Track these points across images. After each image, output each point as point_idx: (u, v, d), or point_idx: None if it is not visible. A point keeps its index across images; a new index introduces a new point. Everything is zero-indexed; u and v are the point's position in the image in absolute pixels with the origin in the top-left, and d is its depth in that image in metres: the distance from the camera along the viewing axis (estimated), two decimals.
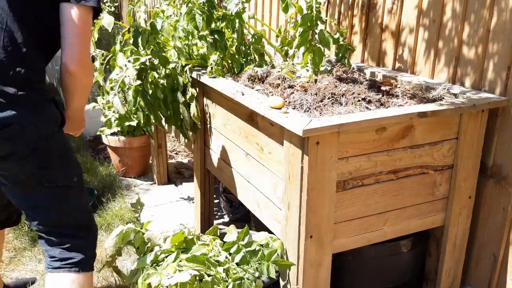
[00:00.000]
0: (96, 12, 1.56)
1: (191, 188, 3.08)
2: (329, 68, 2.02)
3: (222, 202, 2.93)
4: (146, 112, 2.30)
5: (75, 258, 1.64)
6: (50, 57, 1.63)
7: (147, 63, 2.23)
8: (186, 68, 2.15)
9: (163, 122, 2.37)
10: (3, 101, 1.45)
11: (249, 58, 2.21)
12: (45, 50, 1.57)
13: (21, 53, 1.47)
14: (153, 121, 2.30)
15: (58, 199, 1.63)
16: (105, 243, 1.63)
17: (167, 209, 3.06)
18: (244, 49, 2.19)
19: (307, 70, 1.97)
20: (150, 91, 2.23)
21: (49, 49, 1.60)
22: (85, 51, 1.54)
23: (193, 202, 3.03)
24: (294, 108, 1.63)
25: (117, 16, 7.29)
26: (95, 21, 2.45)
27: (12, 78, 1.46)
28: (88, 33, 1.55)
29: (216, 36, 2.03)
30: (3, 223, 1.93)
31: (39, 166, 1.56)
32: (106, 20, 2.33)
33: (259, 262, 1.58)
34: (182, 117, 2.17)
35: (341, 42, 2.12)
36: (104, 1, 7.02)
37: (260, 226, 2.14)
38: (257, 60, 2.22)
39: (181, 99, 2.10)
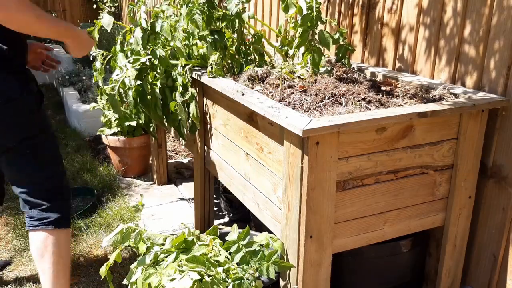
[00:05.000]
0: None
1: (191, 188, 3.08)
2: (329, 68, 2.02)
3: (222, 202, 2.93)
4: (146, 112, 2.30)
5: (51, 217, 1.88)
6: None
7: (147, 63, 2.24)
8: (186, 68, 2.15)
9: (164, 121, 2.37)
10: None
11: (249, 58, 2.21)
12: None
13: None
14: (153, 120, 2.31)
15: (33, 165, 1.85)
16: (103, 242, 1.64)
17: (167, 209, 3.06)
18: (244, 49, 2.19)
19: (307, 70, 1.97)
20: (150, 91, 2.23)
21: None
22: None
23: (193, 202, 3.03)
24: (294, 108, 1.63)
25: (117, 16, 7.29)
26: (95, 21, 2.46)
27: None
28: None
29: (216, 36, 2.03)
30: None
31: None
32: (106, 20, 2.33)
33: (259, 262, 1.58)
34: (180, 117, 2.17)
35: (341, 42, 2.12)
36: (104, 1, 7.02)
37: (260, 226, 2.14)
38: (257, 60, 2.22)
39: (179, 99, 2.09)
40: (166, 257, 1.61)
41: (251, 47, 2.20)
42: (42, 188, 1.89)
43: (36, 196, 1.88)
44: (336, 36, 2.07)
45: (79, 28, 1.92)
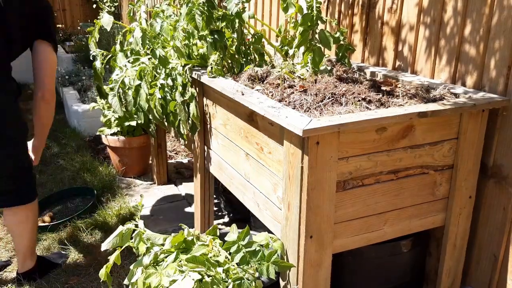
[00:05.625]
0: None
1: (191, 188, 3.08)
2: (329, 68, 2.02)
3: (222, 202, 2.92)
4: (146, 112, 2.30)
5: (21, 195, 2.20)
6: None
7: (147, 63, 2.23)
8: (186, 68, 2.15)
9: (164, 121, 2.36)
10: None
11: (249, 58, 2.20)
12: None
13: None
14: (153, 120, 2.30)
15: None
16: (102, 246, 1.64)
17: (167, 209, 3.06)
18: (244, 49, 2.19)
19: (307, 70, 1.97)
20: (149, 91, 2.22)
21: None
22: (54, 82, 2.17)
23: (193, 202, 3.03)
24: (294, 108, 1.63)
25: (117, 16, 7.29)
26: (95, 21, 2.46)
27: None
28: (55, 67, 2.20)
29: (216, 36, 2.03)
30: None
31: None
32: (105, 19, 2.33)
33: (259, 262, 1.57)
34: (179, 117, 2.17)
35: (341, 42, 2.12)
36: (104, 1, 7.02)
37: (260, 226, 2.14)
38: (257, 60, 2.22)
39: (179, 99, 2.09)
40: (166, 257, 1.61)
41: (251, 47, 2.20)
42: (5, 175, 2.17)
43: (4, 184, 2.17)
44: (337, 36, 2.06)
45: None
